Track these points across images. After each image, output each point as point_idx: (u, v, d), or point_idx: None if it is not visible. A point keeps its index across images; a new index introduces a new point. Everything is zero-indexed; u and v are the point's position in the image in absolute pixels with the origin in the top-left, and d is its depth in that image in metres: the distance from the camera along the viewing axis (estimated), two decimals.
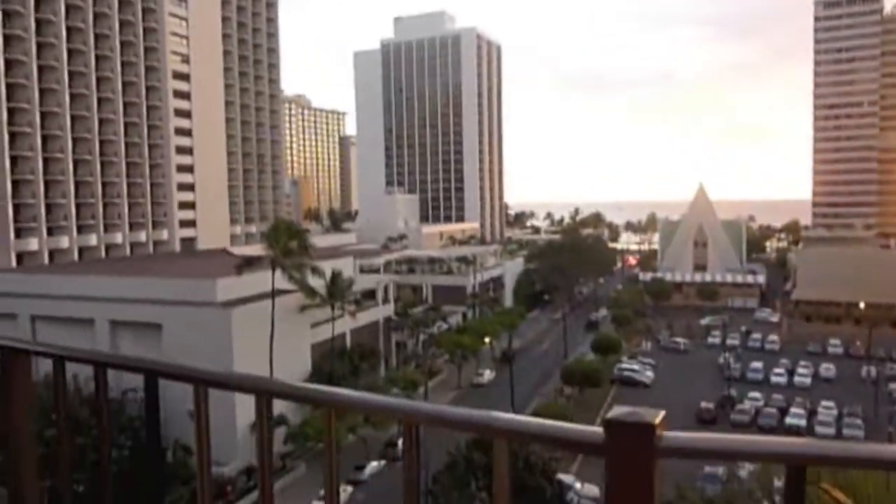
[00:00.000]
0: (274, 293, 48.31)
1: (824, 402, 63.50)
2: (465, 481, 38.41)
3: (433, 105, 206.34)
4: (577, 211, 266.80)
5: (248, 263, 49.50)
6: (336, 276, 58.29)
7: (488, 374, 75.43)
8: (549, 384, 73.34)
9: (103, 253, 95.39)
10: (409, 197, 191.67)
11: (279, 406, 41.64)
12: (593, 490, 44.81)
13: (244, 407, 47.95)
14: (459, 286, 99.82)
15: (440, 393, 67.57)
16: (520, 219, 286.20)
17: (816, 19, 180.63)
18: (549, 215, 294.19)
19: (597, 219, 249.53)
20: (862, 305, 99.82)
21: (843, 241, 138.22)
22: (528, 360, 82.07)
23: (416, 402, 2.20)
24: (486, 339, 76.87)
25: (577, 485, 44.45)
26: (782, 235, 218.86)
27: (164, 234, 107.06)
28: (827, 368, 77.50)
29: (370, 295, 74.31)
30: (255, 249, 59.16)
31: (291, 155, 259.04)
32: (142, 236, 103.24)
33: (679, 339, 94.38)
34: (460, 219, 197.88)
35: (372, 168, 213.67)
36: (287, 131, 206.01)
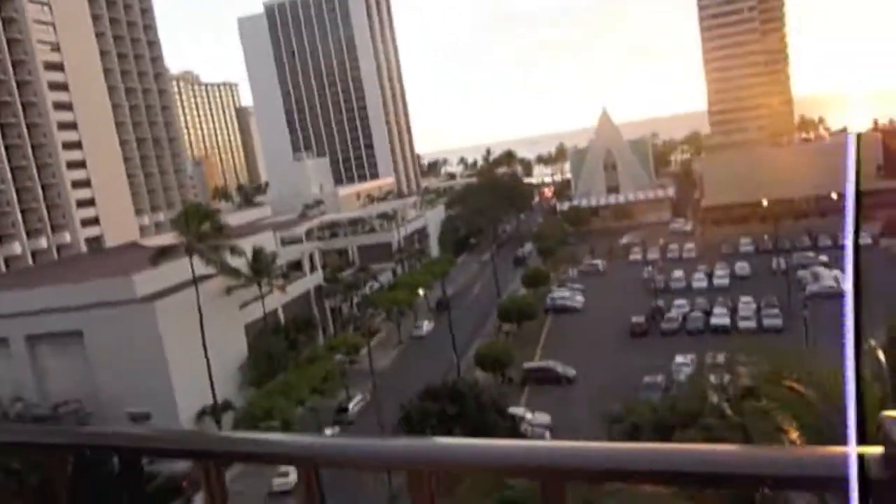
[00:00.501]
0: (196, 280, 46.68)
1: (743, 298, 67.29)
2: (420, 431, 38.94)
3: (329, 63, 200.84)
4: (489, 152, 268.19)
5: (163, 253, 47.50)
6: (258, 252, 56.82)
7: (427, 325, 76.00)
8: (487, 325, 74.64)
9: (2, 267, 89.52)
10: (319, 161, 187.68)
11: (224, 391, 40.87)
12: (545, 418, 46.32)
13: (186, 394, 46.76)
14: (385, 243, 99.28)
15: (382, 351, 67.71)
16: (433, 167, 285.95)
17: None
18: (462, 160, 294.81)
19: (509, 157, 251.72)
20: (765, 203, 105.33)
21: (741, 145, 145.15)
22: (464, 304, 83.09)
23: (451, 439, 1.93)
24: (420, 292, 77.13)
25: (529, 415, 45.86)
26: (685, 147, 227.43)
27: (67, 237, 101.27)
28: (741, 267, 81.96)
29: (296, 266, 73.05)
30: (168, 238, 56.78)
31: (189, 134, 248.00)
32: (42, 243, 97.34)
33: (596, 261, 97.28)
34: (374, 176, 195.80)
35: (276, 136, 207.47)
36: (180, 110, 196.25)
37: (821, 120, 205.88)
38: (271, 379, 51.70)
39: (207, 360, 45.59)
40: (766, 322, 60.69)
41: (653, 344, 61.21)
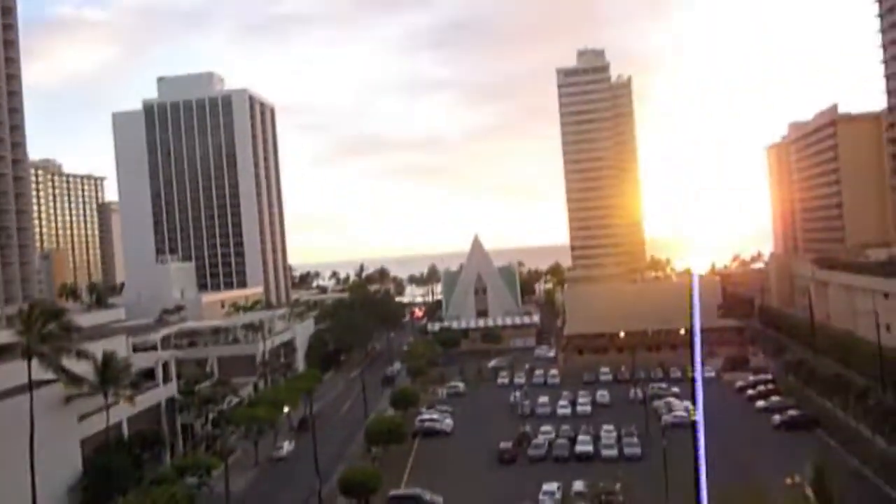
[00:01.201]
0: (31, 386, 41.31)
1: (605, 426, 69.02)
2: None
3: (205, 167, 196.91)
4: (362, 268, 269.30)
5: None
6: (108, 358, 51.71)
7: (287, 446, 71.31)
8: (352, 446, 71.29)
9: None
10: (183, 265, 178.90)
11: None
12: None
13: None
14: (248, 355, 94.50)
15: (238, 473, 62.24)
16: (305, 280, 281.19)
17: (559, 86, 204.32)
18: (334, 274, 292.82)
19: (382, 274, 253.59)
20: (622, 334, 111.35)
21: (599, 279, 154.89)
22: (329, 423, 79.36)
23: None
24: (285, 409, 72.98)
25: None
26: (548, 277, 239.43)
27: None
28: (602, 395, 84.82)
29: (149, 375, 67.16)
30: (3, 336, 50.59)
31: (41, 226, 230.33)
32: None
33: (464, 384, 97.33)
34: (242, 284, 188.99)
35: (139, 236, 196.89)
36: (35, 200, 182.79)
37: (668, 261, 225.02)
38: (107, 503, 45.61)
39: (33, 480, 39.58)
40: (627, 451, 62.24)
41: (520, 470, 60.62)
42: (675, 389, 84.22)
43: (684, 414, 70.98)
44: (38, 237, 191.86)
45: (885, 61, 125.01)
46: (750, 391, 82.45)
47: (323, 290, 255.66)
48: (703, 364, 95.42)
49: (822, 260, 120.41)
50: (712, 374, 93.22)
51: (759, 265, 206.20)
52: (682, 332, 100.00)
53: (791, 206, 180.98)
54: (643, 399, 76.00)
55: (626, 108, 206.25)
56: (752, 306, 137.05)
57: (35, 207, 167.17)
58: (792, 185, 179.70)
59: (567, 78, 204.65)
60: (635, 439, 64.55)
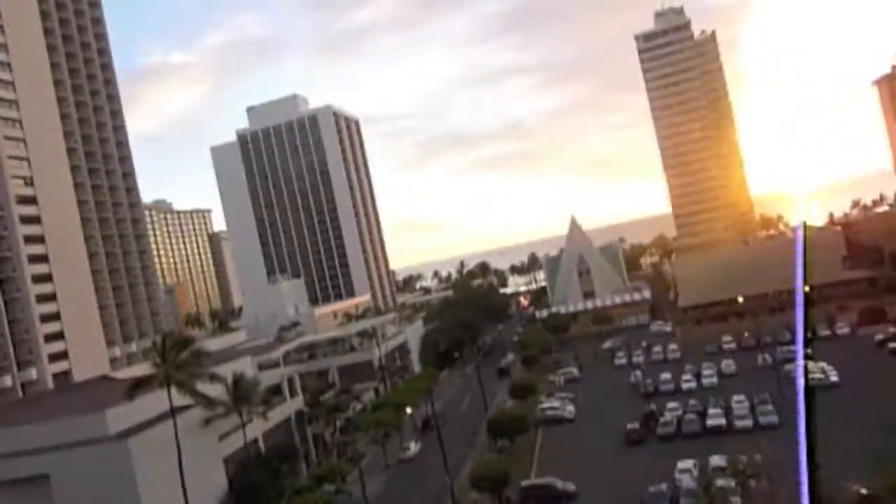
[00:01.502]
0: (174, 412, 44.13)
1: (736, 397, 65.90)
2: None
3: (302, 187, 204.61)
4: (462, 265, 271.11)
5: (138, 385, 45.06)
6: (238, 379, 54.46)
7: (414, 447, 72.62)
8: (477, 441, 71.64)
9: None
10: (294, 282, 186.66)
11: None
12: None
13: None
14: (365, 362, 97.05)
15: (369, 476, 63.99)
16: (408, 283, 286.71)
17: (640, 51, 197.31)
18: (436, 274, 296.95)
19: (484, 268, 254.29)
20: (740, 300, 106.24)
21: (709, 246, 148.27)
22: (452, 421, 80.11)
23: None
24: (408, 410, 74.39)
25: None
26: (653, 250, 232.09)
27: (34, 373, 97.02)
28: (727, 365, 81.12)
29: (275, 391, 70.23)
30: (141, 369, 54.37)
31: (160, 262, 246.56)
32: (7, 381, 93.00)
33: (572, 369, 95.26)
34: (350, 294, 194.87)
35: (249, 260, 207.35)
36: (152, 238, 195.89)
37: (779, 217, 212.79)
38: None
39: (186, 499, 42.26)
40: (763, 420, 59.12)
41: (651, 451, 58.90)
42: (807, 351, 79.21)
43: (821, 375, 66.88)
44: (158, 273, 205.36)
45: None
46: (892, 344, 76.41)
47: (427, 290, 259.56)
48: (834, 321, 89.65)
49: None
50: (847, 329, 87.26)
51: (884, 208, 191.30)
52: (806, 289, 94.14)
53: None
54: (773, 364, 72.03)
55: (714, 64, 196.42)
56: (883, 253, 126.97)
57: (153, 245, 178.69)
58: None
59: (647, 42, 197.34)
60: (770, 407, 61.24)
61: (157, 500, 43.76)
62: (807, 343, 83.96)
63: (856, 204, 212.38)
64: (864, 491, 24.09)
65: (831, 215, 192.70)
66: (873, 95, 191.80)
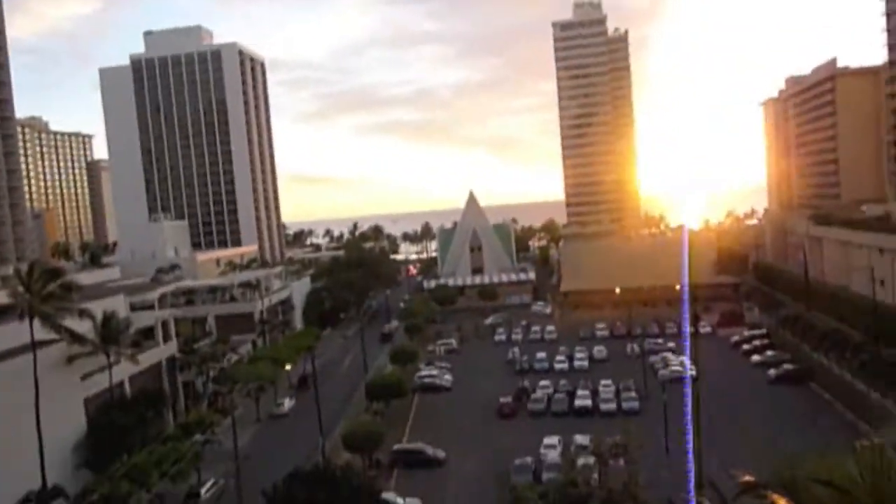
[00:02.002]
0: (34, 346, 41.23)
1: (603, 381, 69.84)
2: None
3: (196, 124, 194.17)
4: (356, 226, 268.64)
5: None
6: (109, 317, 51.60)
7: (288, 403, 72.05)
8: (353, 402, 72.02)
9: None
10: (177, 223, 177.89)
11: (55, 475, 35.74)
12: (416, 503, 44.46)
13: (8, 477, 40.37)
14: (246, 313, 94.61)
15: (238, 429, 62.72)
16: (298, 238, 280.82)
17: (555, 40, 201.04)
18: (328, 232, 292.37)
19: (376, 232, 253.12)
20: (617, 290, 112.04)
21: (595, 236, 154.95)
22: (328, 380, 79.89)
23: None
24: (287, 366, 73.45)
25: (399, 500, 43.81)
26: (542, 234, 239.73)
27: None
28: (599, 351, 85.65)
29: (147, 334, 67.20)
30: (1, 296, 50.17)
31: (30, 185, 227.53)
32: None
33: (451, 340, 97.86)
34: (236, 243, 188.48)
35: (130, 194, 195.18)
36: (22, 158, 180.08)
37: (662, 217, 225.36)
38: (113, 460, 46.02)
39: (40, 438, 39.81)
40: (626, 405, 63.13)
41: (520, 425, 61.55)
42: (671, 345, 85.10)
43: (680, 369, 71.93)
44: (27, 197, 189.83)
45: (887, 14, 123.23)
46: (745, 346, 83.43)
47: (317, 248, 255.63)
48: (698, 319, 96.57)
49: (818, 216, 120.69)
50: (708, 329, 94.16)
51: (753, 222, 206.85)
52: (677, 287, 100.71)
53: (787, 162, 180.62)
54: (640, 354, 76.82)
55: (623, 63, 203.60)
56: (747, 262, 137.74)
57: (22, 166, 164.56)
58: (788, 140, 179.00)
59: (563, 31, 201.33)
60: (633, 394, 65.44)
61: (9, 436, 41.01)
62: (670, 338, 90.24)
63: (730, 214, 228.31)
64: (747, 478, 26.15)
65: (707, 222, 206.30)
66: (759, 116, 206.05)
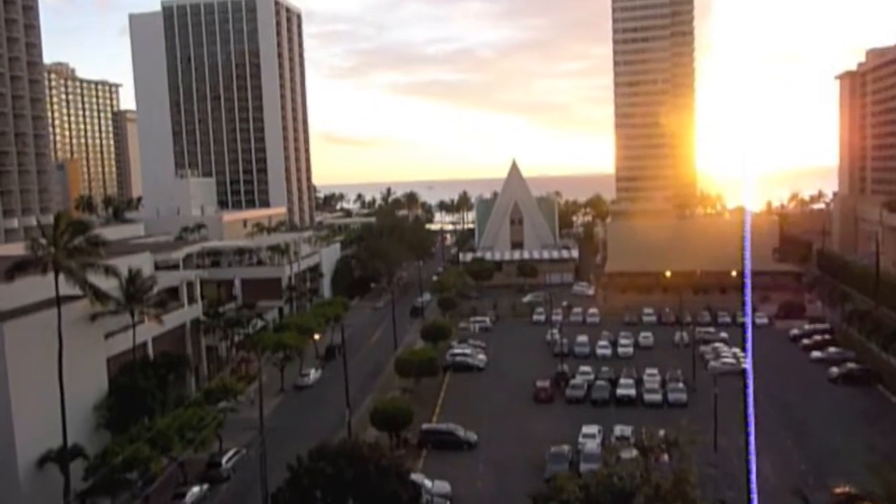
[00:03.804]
0: (59, 301, 42.20)
1: (648, 370, 69.16)
2: (311, 496, 36.38)
3: (227, 76, 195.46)
4: (389, 192, 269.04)
5: (20, 267, 42.69)
6: (134, 275, 52.55)
7: (314, 374, 73.02)
8: (381, 378, 72.70)
9: None
10: (204, 180, 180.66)
11: (76, 434, 36.51)
12: (445, 487, 44.79)
13: (28, 435, 41.78)
14: (274, 278, 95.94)
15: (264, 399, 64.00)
16: (329, 202, 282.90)
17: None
18: (359, 197, 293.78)
19: (411, 199, 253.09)
20: (668, 274, 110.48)
21: (646, 214, 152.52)
22: (357, 353, 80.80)
23: None
24: (315, 336, 74.35)
25: (427, 482, 44.18)
26: (587, 210, 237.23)
27: None
28: (645, 337, 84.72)
29: (172, 294, 68.43)
30: (20, 248, 51.39)
31: (54, 134, 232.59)
32: None
33: (485, 318, 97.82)
34: (265, 203, 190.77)
35: (157, 148, 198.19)
36: (48, 104, 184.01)
37: (719, 197, 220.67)
38: (134, 422, 47.22)
39: (62, 396, 40.95)
40: (672, 396, 62.44)
41: (557, 411, 61.41)
42: (724, 335, 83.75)
43: (733, 361, 70.87)
44: (52, 146, 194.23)
45: None
46: (805, 340, 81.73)
47: (348, 213, 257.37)
48: (755, 310, 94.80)
49: (894, 203, 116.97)
50: (765, 320, 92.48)
51: (820, 206, 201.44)
52: (734, 274, 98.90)
53: (861, 143, 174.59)
54: (690, 343, 75.81)
55: (686, 27, 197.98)
56: (811, 250, 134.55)
57: (48, 113, 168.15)
58: (864, 118, 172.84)
59: None
60: (681, 385, 64.65)
61: (28, 394, 42.27)
62: (723, 327, 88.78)
63: (794, 196, 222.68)
64: (842, 490, 25.29)
65: (769, 204, 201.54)
66: (834, 90, 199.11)
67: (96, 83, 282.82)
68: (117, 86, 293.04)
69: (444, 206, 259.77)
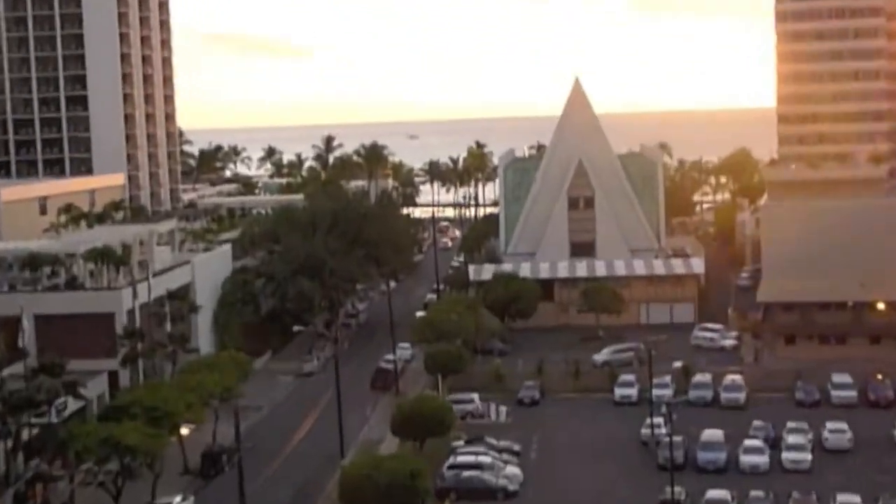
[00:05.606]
0: None
1: (843, 497, 68.83)
2: None
3: None
4: (329, 142, 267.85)
5: None
6: None
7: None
8: None
9: None
10: None
11: None
12: None
13: None
14: (100, 314, 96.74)
15: None
16: (210, 161, 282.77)
17: None
18: (271, 152, 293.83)
19: (374, 156, 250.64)
20: (880, 306, 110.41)
21: (840, 188, 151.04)
22: (267, 463, 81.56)
23: None
24: (183, 430, 74.46)
25: None
26: (722, 179, 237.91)
27: None
28: (836, 431, 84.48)
29: None
30: None
31: None
32: None
33: (531, 382, 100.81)
34: (85, 169, 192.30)
35: None
36: None
37: None
38: None
39: None
40: None
41: None
42: None
43: None
44: None
45: None
46: None
47: (248, 184, 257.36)
48: None
49: None
50: None
51: None
52: None
53: None
54: None
55: None
56: None
57: None
58: None
59: None
60: None
61: None
62: None
63: None
64: None
65: None
66: None
67: None
68: None
69: (440, 173, 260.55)
